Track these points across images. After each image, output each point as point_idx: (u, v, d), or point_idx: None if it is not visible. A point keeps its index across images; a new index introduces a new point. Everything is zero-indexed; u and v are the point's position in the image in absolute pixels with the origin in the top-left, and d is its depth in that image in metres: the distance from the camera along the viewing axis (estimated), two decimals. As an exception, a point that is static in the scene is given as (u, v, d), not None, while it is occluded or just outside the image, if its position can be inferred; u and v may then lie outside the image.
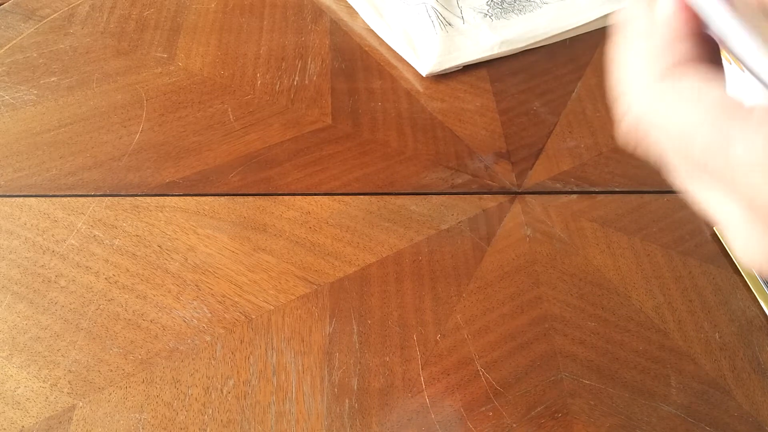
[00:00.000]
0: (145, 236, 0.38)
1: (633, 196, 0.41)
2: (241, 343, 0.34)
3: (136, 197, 0.40)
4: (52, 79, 0.47)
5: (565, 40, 0.52)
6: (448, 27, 0.50)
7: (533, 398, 0.32)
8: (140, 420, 0.31)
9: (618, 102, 0.18)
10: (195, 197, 0.40)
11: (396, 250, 0.38)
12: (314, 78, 0.48)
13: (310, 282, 0.36)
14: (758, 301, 0.36)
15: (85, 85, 0.47)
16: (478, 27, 0.51)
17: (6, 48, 0.50)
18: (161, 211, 0.39)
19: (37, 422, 0.31)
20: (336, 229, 0.39)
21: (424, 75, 0.48)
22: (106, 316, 0.35)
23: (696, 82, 0.15)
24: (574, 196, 0.41)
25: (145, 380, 0.33)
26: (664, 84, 0.16)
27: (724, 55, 0.18)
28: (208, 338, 0.34)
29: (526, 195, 0.41)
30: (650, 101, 0.16)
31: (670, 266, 0.38)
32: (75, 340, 0.34)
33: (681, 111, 0.15)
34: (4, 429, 0.31)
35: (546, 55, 0.51)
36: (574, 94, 0.48)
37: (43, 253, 0.37)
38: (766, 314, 0.36)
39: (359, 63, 0.49)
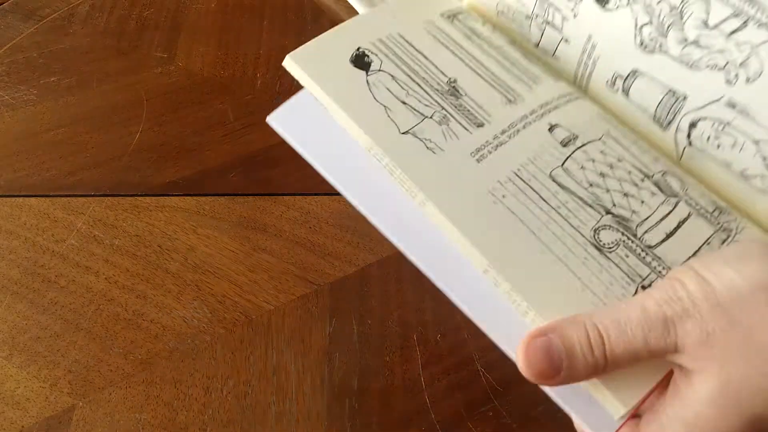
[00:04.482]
0: (145, 236, 0.38)
1: (633, 196, 0.41)
2: (241, 343, 0.34)
3: (136, 197, 0.40)
4: (52, 79, 0.47)
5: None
6: (448, 27, 0.50)
7: (533, 398, 0.32)
8: (140, 420, 0.31)
9: None
10: (195, 197, 0.40)
11: (396, 250, 0.38)
12: (314, 78, 0.48)
13: (310, 282, 0.36)
14: (758, 301, 0.36)
15: (85, 85, 0.47)
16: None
17: (6, 48, 0.50)
18: (161, 211, 0.39)
19: (36, 422, 0.31)
20: (336, 229, 0.39)
21: (424, 75, 0.48)
22: (106, 316, 0.35)
23: None
24: (574, 196, 0.41)
25: (145, 380, 0.33)
26: None
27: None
28: (208, 338, 0.34)
29: (526, 195, 0.41)
30: None
31: (670, 266, 0.38)
32: (75, 340, 0.34)
33: None
34: (4, 429, 0.31)
35: (546, 55, 0.51)
36: (574, 94, 0.48)
37: (43, 253, 0.37)
38: (766, 314, 0.36)
39: (359, 63, 0.49)
